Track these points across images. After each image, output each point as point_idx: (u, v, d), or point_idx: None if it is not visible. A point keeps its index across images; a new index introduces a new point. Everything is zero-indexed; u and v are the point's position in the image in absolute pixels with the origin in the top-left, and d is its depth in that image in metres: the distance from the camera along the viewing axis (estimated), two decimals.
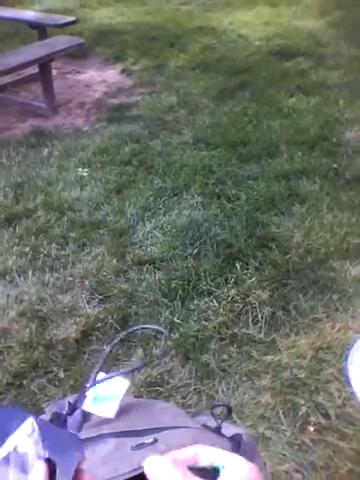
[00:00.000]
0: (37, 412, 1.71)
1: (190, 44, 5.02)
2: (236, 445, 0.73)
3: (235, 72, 4.36)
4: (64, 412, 0.80)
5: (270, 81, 4.19)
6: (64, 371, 1.90)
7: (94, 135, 3.56)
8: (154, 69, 4.61)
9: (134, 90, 4.28)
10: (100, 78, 4.61)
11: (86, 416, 0.81)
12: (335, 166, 3.00)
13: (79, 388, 1.82)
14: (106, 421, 0.78)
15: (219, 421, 0.74)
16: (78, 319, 2.10)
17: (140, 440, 0.73)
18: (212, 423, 0.77)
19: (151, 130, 3.55)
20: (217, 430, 0.75)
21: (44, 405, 1.75)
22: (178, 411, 1.00)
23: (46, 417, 0.80)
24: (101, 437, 0.73)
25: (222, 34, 5.31)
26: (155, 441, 0.70)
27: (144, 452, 0.69)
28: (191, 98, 3.99)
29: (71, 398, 0.86)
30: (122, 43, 5.21)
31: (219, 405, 0.78)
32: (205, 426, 0.78)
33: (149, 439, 0.72)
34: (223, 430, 0.75)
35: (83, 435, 0.73)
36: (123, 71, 4.69)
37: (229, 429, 0.78)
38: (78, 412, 0.81)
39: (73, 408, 0.81)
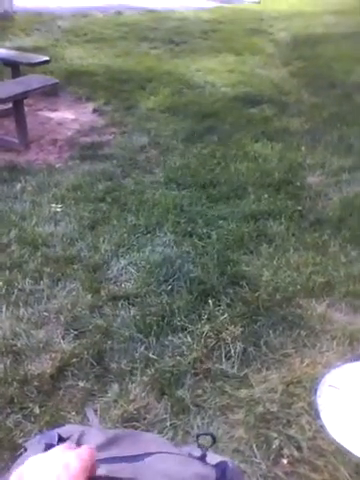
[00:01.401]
0: (13, 448, 1.71)
1: (160, 88, 5.23)
2: (221, 473, 0.78)
3: (203, 116, 4.57)
4: (54, 443, 0.84)
5: (236, 126, 4.41)
6: (39, 407, 1.89)
7: (67, 172, 3.63)
8: (125, 110, 4.77)
9: (106, 129, 4.41)
10: (72, 116, 4.72)
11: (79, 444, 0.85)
12: (299, 208, 3.17)
13: (55, 424, 1.82)
14: (98, 448, 0.82)
15: (204, 449, 0.79)
16: (53, 354, 2.11)
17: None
18: (197, 453, 0.82)
19: (123, 169, 3.66)
20: (202, 458, 0.80)
21: (20, 441, 1.74)
22: (163, 441, 1.04)
23: (34, 450, 0.83)
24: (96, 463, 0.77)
25: (190, 79, 5.56)
26: (142, 459, 0.75)
27: (130, 465, 0.73)
28: (162, 139, 4.14)
29: (60, 430, 0.90)
30: (93, 83, 5.37)
31: (203, 434, 0.83)
32: (190, 455, 0.83)
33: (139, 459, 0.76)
34: (208, 459, 0.80)
35: None
36: (95, 111, 4.82)
37: (214, 458, 0.83)
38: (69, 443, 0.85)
39: (62, 439, 0.85)
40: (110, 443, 0.84)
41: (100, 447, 0.81)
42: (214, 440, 0.81)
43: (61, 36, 7.21)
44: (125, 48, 6.79)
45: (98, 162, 3.75)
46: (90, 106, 4.91)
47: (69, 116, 4.70)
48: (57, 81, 4.34)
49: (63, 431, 0.90)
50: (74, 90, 5.24)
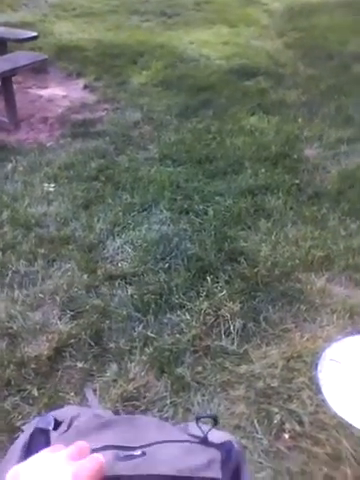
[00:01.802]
0: (11, 431, 1.69)
1: (152, 62, 5.10)
2: (226, 454, 0.74)
3: (197, 90, 4.47)
4: (50, 427, 0.81)
5: (231, 99, 4.31)
6: (38, 389, 1.87)
7: (59, 150, 3.55)
8: (117, 85, 4.65)
9: (98, 106, 4.30)
10: (62, 93, 4.60)
11: (69, 426, 0.82)
12: (297, 182, 3.12)
13: (54, 405, 1.80)
14: (90, 432, 0.78)
15: (205, 431, 0.75)
16: (50, 336, 2.08)
17: (128, 453, 0.74)
18: (198, 431, 0.78)
19: (117, 146, 3.58)
20: (204, 440, 0.76)
21: (19, 424, 1.72)
22: (162, 424, 1.00)
23: (26, 435, 0.80)
24: None
25: (183, 52, 5.42)
26: (144, 454, 0.71)
27: (132, 464, 0.70)
28: (155, 115, 4.05)
29: (55, 413, 0.86)
30: (84, 59, 5.23)
31: (204, 417, 0.80)
32: (192, 436, 0.79)
33: (138, 452, 0.72)
34: (210, 437, 0.76)
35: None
36: (86, 87, 4.70)
37: (216, 435, 0.79)
38: (62, 428, 0.82)
39: (58, 423, 0.82)
40: (103, 428, 0.80)
41: (93, 431, 0.78)
42: (216, 422, 0.78)
43: (49, 11, 7.00)
44: (115, 22, 6.60)
45: (90, 139, 3.66)
46: (81, 82, 4.79)
47: (59, 93, 4.59)
48: (46, 57, 4.22)
49: (60, 413, 0.86)
50: (64, 66, 5.10)
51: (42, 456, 0.50)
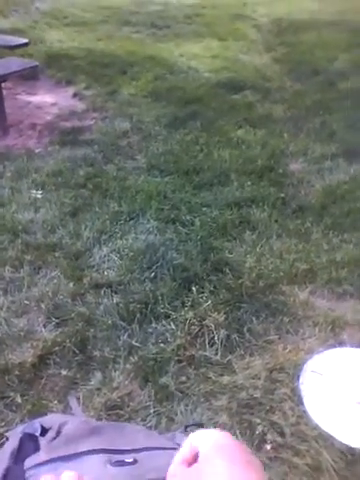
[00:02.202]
0: None
1: (142, 73, 5.15)
2: None
3: (186, 102, 4.52)
4: (37, 434, 0.82)
5: (219, 112, 4.38)
6: (21, 396, 1.87)
7: (47, 157, 3.56)
8: (106, 95, 4.68)
9: (87, 114, 4.33)
10: (52, 100, 4.62)
11: (58, 433, 0.83)
12: (282, 195, 3.17)
13: (37, 413, 1.79)
14: (81, 437, 0.80)
15: None
16: (35, 343, 2.08)
17: (119, 458, 0.76)
18: (183, 440, 0.81)
19: (105, 155, 3.60)
20: None
21: (1, 430, 1.71)
22: (150, 432, 1.02)
23: (14, 440, 0.81)
24: (80, 455, 0.75)
25: (173, 65, 5.49)
26: (135, 461, 0.73)
27: (125, 471, 0.71)
28: (144, 125, 4.09)
29: (41, 420, 0.88)
30: (74, 67, 5.26)
31: (192, 425, 0.82)
32: (178, 445, 0.81)
33: (129, 459, 0.74)
34: None
35: (60, 452, 0.74)
36: (75, 95, 4.73)
37: None
38: (50, 434, 0.83)
39: (45, 430, 0.83)
40: (92, 433, 0.82)
41: (82, 438, 0.79)
42: None
43: (40, 18, 7.03)
44: (106, 32, 6.65)
45: (79, 147, 3.68)
46: (70, 90, 4.81)
47: (49, 100, 4.60)
48: (37, 64, 4.24)
49: (46, 421, 0.88)
50: (54, 74, 5.12)
51: None
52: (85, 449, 0.77)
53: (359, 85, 5.11)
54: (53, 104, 4.55)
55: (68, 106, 4.50)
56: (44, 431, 0.83)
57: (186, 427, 0.78)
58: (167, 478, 0.52)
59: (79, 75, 5.08)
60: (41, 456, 0.74)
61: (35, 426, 0.83)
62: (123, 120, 4.16)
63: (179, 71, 5.32)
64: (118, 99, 4.60)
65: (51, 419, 0.89)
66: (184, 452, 0.53)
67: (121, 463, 0.71)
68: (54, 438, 0.83)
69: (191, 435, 0.52)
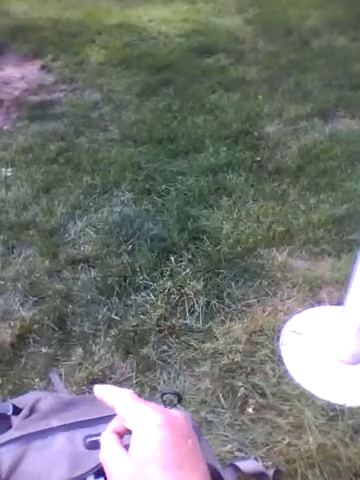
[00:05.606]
0: None
1: (111, 41, 4.99)
2: None
3: (157, 69, 4.40)
4: (9, 413, 0.81)
5: (192, 77, 4.27)
6: (1, 376, 1.86)
7: (16, 133, 3.46)
8: (75, 66, 4.54)
9: (56, 87, 4.20)
10: (19, 75, 4.47)
11: (32, 411, 0.82)
12: (258, 159, 3.13)
13: (18, 392, 1.79)
14: (54, 412, 0.79)
15: (169, 407, 0.77)
16: (12, 323, 2.05)
17: (92, 431, 0.75)
18: None
19: (76, 127, 3.51)
20: None
21: None
22: None
23: None
24: (51, 431, 0.74)
25: (142, 31, 5.32)
26: None
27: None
28: (115, 95, 3.98)
29: (17, 400, 0.86)
30: (40, 39, 5.07)
31: (167, 393, 0.81)
32: None
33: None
34: None
35: (31, 429, 0.73)
36: (43, 67, 4.57)
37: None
38: (24, 412, 0.82)
39: (18, 409, 0.82)
40: (66, 408, 0.81)
41: (56, 412, 0.78)
42: (179, 399, 0.80)
43: None
44: (72, 1, 6.41)
45: (49, 122, 3.58)
46: (38, 63, 4.65)
47: (15, 74, 4.45)
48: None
49: (20, 400, 0.87)
50: (20, 47, 4.94)
51: None
52: (56, 424, 0.76)
53: (333, 42, 5.03)
54: (20, 78, 4.40)
55: (36, 79, 4.36)
56: (17, 410, 0.82)
57: (163, 395, 0.77)
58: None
59: (46, 47, 4.91)
60: (12, 434, 0.74)
61: (6, 406, 0.82)
62: (93, 91, 4.05)
63: (149, 37, 5.17)
64: (87, 69, 4.47)
65: (26, 397, 0.88)
66: (115, 425, 0.51)
67: (95, 444, 0.70)
68: (27, 416, 0.82)
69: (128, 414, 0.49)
